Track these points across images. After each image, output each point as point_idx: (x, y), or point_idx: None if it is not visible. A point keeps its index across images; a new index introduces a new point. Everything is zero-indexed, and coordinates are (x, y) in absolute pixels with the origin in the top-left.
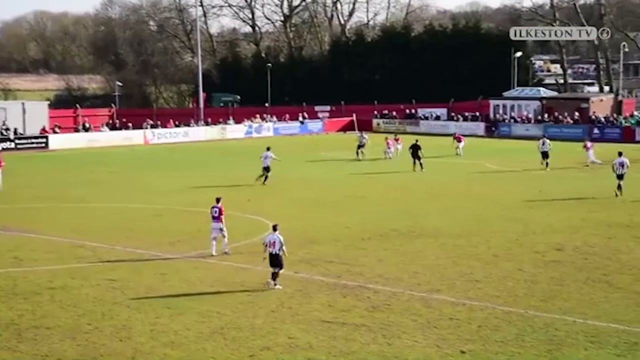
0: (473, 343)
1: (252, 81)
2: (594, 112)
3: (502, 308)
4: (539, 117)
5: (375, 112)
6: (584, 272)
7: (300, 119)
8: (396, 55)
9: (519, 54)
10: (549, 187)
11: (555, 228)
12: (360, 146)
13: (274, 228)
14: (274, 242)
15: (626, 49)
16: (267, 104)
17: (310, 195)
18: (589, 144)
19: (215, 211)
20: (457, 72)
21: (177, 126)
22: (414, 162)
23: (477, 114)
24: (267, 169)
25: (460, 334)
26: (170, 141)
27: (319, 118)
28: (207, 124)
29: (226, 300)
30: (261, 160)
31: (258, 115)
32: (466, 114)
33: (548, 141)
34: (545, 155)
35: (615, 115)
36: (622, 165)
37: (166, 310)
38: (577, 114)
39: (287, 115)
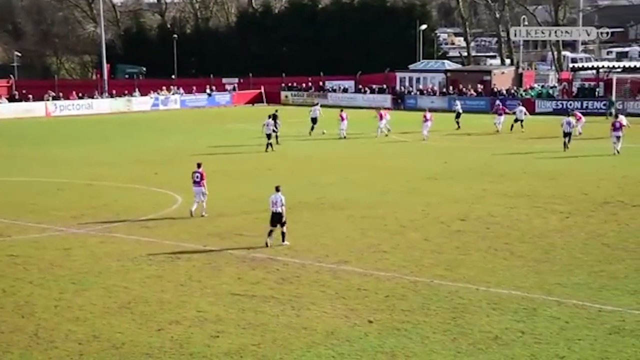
0: (380, 313)
1: (157, 53)
2: (496, 85)
3: (409, 278)
4: (444, 90)
5: (283, 85)
6: (487, 241)
7: (208, 91)
8: (304, 27)
9: (424, 27)
10: (453, 158)
11: (459, 199)
12: (314, 119)
13: (277, 189)
14: (277, 201)
15: (526, 23)
16: (173, 76)
17: (219, 168)
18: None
19: (197, 176)
20: (364, 45)
21: (80, 98)
22: (277, 135)
23: (384, 86)
24: (269, 136)
25: (368, 304)
26: (74, 113)
27: (226, 90)
28: (111, 96)
29: (133, 275)
30: (264, 128)
31: (165, 88)
32: (373, 86)
33: (523, 109)
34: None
35: (516, 87)
36: (569, 124)
37: (71, 286)
38: (480, 86)
39: (195, 88)
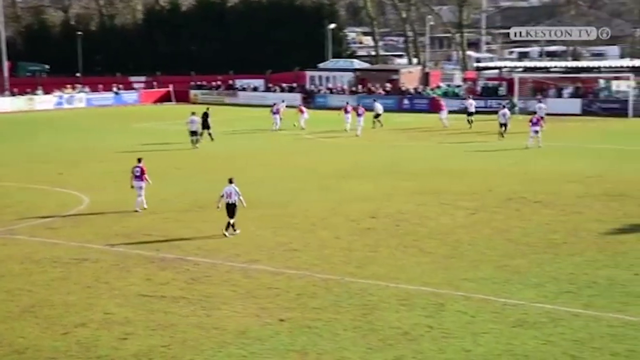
0: (292, 311)
1: (61, 50)
2: (404, 84)
3: (320, 276)
4: (353, 88)
5: (192, 83)
6: (396, 238)
7: (115, 89)
8: (212, 25)
9: (332, 26)
10: (363, 156)
11: (369, 197)
12: (275, 113)
13: (230, 181)
14: (230, 193)
15: (432, 23)
16: (78, 74)
17: (125, 167)
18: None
19: (137, 170)
20: (273, 43)
21: None
22: (203, 133)
23: (294, 85)
24: (194, 133)
25: (280, 302)
26: None
27: (134, 89)
28: (12, 94)
29: (37, 277)
30: (187, 125)
31: (69, 86)
32: (284, 85)
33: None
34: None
35: (423, 86)
36: (504, 115)
37: None
38: (388, 85)
39: (101, 86)
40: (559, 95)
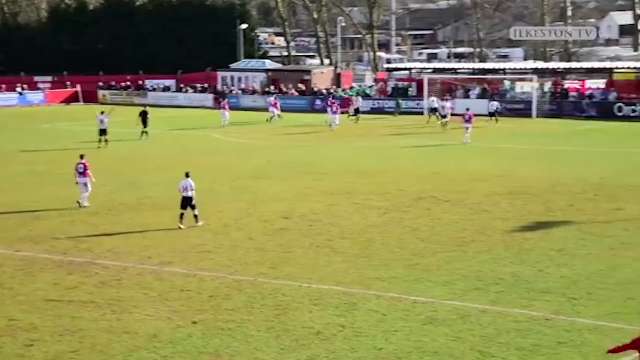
0: (204, 313)
1: None
2: (316, 84)
3: (233, 277)
4: (266, 89)
5: (101, 83)
6: (310, 238)
7: (19, 90)
8: (121, 24)
9: (244, 26)
10: (277, 157)
11: (282, 197)
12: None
13: (187, 175)
14: (187, 187)
15: (343, 24)
16: None
17: (33, 169)
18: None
19: (81, 167)
20: (184, 44)
21: None
22: (142, 131)
23: (206, 85)
24: (103, 132)
25: (192, 304)
26: None
27: (39, 89)
28: None
29: None
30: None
31: None
32: (198, 86)
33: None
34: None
35: (335, 87)
36: (443, 108)
37: None
38: (301, 85)
39: (4, 86)
40: (467, 96)
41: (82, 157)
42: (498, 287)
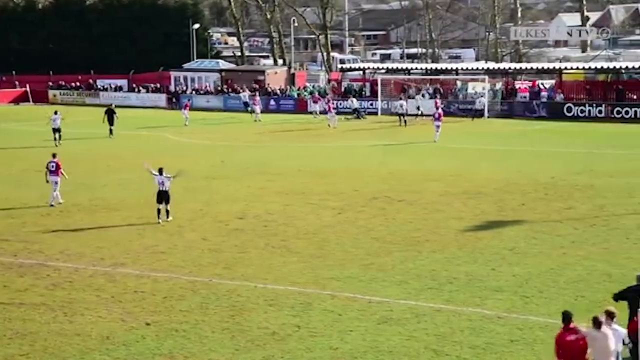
0: (158, 314)
1: None
2: (269, 84)
3: (187, 278)
4: (220, 89)
5: (51, 83)
6: (264, 238)
7: None
8: (71, 24)
9: (197, 26)
10: (230, 157)
11: (236, 197)
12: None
13: (160, 171)
14: (163, 181)
15: (296, 24)
16: None
17: None
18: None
19: (52, 165)
20: (135, 43)
21: None
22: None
23: (159, 85)
24: (56, 130)
25: (145, 306)
26: None
27: None
28: None
29: None
30: (51, 123)
31: None
32: (151, 85)
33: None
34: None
35: (289, 87)
36: (401, 106)
37: None
38: (255, 85)
39: None
40: (420, 95)
41: (54, 155)
42: (451, 286)
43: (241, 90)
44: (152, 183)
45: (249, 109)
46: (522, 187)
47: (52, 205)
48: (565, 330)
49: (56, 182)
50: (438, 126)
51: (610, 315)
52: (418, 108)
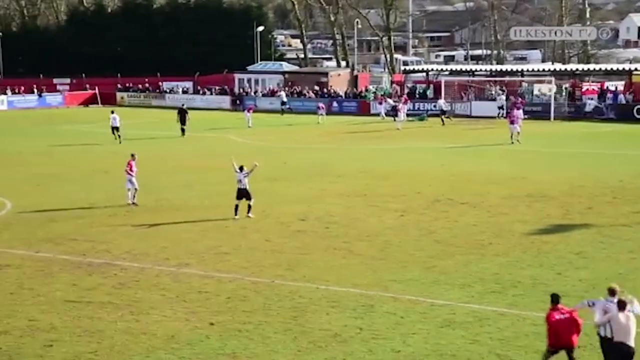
0: (222, 314)
1: None
2: (332, 86)
3: (250, 279)
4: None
5: (119, 85)
6: (326, 240)
7: (37, 92)
8: (138, 27)
9: (261, 28)
10: (293, 159)
11: (298, 199)
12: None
13: (241, 168)
14: (240, 179)
15: (359, 26)
16: None
17: (52, 171)
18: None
19: (129, 166)
20: (201, 45)
21: None
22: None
23: (224, 87)
24: (115, 129)
25: (209, 306)
26: None
27: (58, 91)
28: None
29: None
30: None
31: None
32: (217, 87)
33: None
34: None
35: (351, 88)
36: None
37: None
38: (317, 87)
39: (23, 88)
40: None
41: (132, 156)
42: (516, 290)
43: (281, 91)
44: (213, 185)
45: (284, 107)
46: (589, 190)
47: (134, 204)
48: (553, 310)
49: (132, 182)
50: (515, 127)
51: (611, 293)
52: (501, 108)
